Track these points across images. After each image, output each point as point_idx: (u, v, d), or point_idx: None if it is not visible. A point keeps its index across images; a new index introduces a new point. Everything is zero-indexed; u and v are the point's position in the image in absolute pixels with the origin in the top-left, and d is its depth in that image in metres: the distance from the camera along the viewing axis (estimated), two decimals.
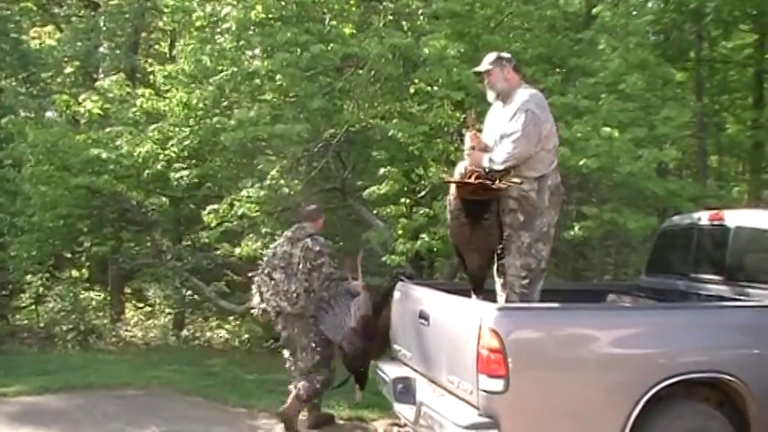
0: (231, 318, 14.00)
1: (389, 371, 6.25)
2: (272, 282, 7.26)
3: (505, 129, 5.58)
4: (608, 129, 7.91)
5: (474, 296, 5.96)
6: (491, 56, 5.94)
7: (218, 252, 11.71)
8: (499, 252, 5.83)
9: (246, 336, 13.37)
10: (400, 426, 7.09)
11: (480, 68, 6.00)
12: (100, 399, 8.66)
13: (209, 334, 14.53)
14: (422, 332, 5.76)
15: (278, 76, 8.76)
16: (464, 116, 8.75)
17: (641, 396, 4.79)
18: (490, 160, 5.55)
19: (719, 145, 17.32)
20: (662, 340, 5.03)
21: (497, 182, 5.45)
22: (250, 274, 13.18)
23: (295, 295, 7.09)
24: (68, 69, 16.20)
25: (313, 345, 7.15)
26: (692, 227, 6.79)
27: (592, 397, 4.85)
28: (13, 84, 15.24)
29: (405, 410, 5.80)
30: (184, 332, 14.31)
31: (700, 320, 5.36)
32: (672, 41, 14.54)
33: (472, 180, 5.46)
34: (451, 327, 5.26)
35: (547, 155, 5.60)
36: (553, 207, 5.67)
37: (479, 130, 5.93)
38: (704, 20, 14.13)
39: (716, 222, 6.44)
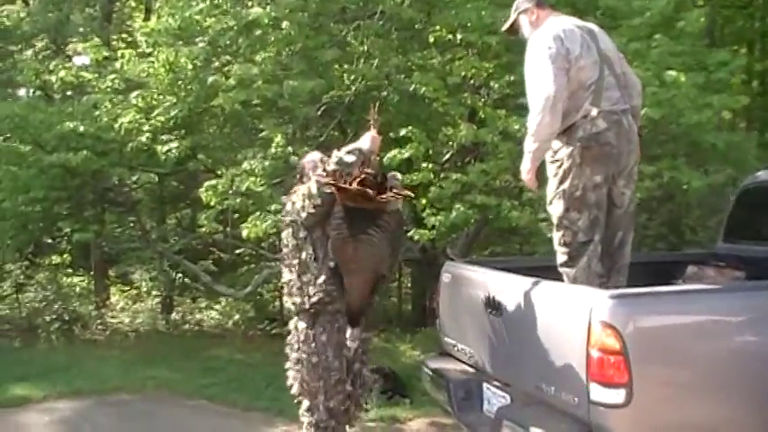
0: (222, 298, 12.91)
1: (444, 371, 5.16)
2: None
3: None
4: (672, 72, 6.81)
5: (350, 330, 4.66)
6: (513, 7, 4.97)
7: (203, 230, 10.65)
8: None
9: (238, 316, 12.31)
10: None
11: (505, 26, 5.12)
12: (89, 408, 7.59)
13: (198, 316, 13.48)
14: (491, 325, 4.61)
15: (284, 24, 7.57)
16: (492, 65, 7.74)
17: None
18: None
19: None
20: None
21: (383, 194, 4.35)
22: (238, 252, 12.54)
23: None
24: (39, 44, 14.91)
25: None
26: None
27: (743, 406, 3.76)
28: None
29: (473, 422, 4.72)
30: (173, 315, 13.26)
31: None
32: None
33: (351, 186, 4.32)
34: (542, 320, 4.12)
35: (572, 99, 4.44)
36: (589, 164, 4.42)
37: (381, 132, 4.84)
38: None
39: None
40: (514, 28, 4.98)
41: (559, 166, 4.51)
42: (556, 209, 4.55)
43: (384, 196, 4.33)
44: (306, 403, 4.78)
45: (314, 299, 4.64)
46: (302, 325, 4.73)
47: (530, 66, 4.56)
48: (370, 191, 4.27)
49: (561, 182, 4.49)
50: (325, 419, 4.71)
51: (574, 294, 4.01)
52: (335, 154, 4.53)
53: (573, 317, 3.78)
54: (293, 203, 4.68)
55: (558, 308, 4.00)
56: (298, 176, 4.99)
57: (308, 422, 4.77)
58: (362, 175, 4.32)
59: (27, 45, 14.65)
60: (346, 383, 4.76)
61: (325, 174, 4.45)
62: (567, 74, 4.40)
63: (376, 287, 4.77)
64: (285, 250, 4.86)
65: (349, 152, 4.48)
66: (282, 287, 4.96)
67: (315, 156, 5.08)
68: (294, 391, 4.87)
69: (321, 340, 4.66)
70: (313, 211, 4.52)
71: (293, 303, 4.79)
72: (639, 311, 3.68)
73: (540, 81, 4.41)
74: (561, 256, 4.55)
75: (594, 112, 4.42)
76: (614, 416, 3.60)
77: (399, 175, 4.91)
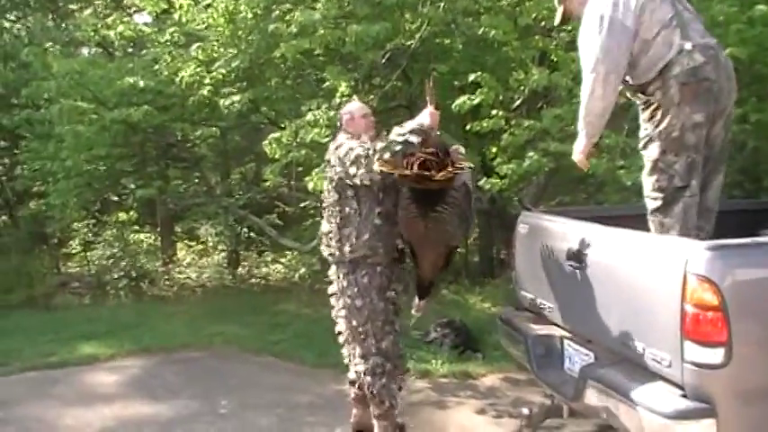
0: (287, 252, 12.90)
1: (521, 326, 4.90)
2: None
3: None
4: (762, 7, 6.34)
5: (417, 300, 5.00)
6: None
7: (268, 183, 10.57)
8: None
9: (303, 270, 12.17)
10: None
11: (557, 21, 4.81)
12: (157, 366, 7.50)
13: (264, 270, 13.55)
14: (572, 278, 4.32)
15: None
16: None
17: None
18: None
19: None
20: None
21: (442, 171, 4.27)
22: (302, 205, 12.43)
23: None
24: (99, 1, 14.80)
25: None
26: None
27: None
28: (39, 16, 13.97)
29: (554, 380, 4.48)
30: (240, 270, 13.39)
31: None
32: None
33: (409, 170, 4.28)
34: (630, 272, 3.82)
35: (658, 40, 4.14)
36: (688, 102, 4.09)
37: (438, 107, 4.63)
38: None
39: None
40: (566, 16, 4.69)
41: (655, 108, 4.19)
42: (651, 152, 4.23)
43: (443, 173, 4.24)
44: (358, 350, 4.76)
45: (356, 254, 4.65)
46: (343, 271, 4.73)
47: (582, 39, 4.31)
48: (429, 172, 4.23)
49: (657, 124, 4.18)
50: (380, 362, 4.70)
51: (666, 245, 3.70)
52: (397, 131, 4.42)
53: (665, 270, 3.48)
54: (341, 161, 4.58)
55: (648, 260, 3.69)
56: (338, 125, 4.99)
57: (363, 371, 4.74)
58: (423, 157, 4.25)
59: (87, 3, 14.59)
60: (394, 324, 4.81)
61: (385, 159, 4.35)
62: (634, 36, 4.13)
63: (449, 258, 4.91)
64: (326, 202, 4.83)
65: (412, 131, 4.37)
66: (322, 237, 4.95)
67: (352, 107, 5.04)
68: (343, 338, 4.89)
69: (363, 283, 4.68)
70: (368, 183, 4.50)
71: (330, 254, 4.79)
72: (739, 264, 3.35)
73: (591, 54, 4.16)
74: (654, 203, 4.24)
75: (689, 45, 4.10)
76: (710, 377, 3.30)
77: (462, 149, 4.79)
